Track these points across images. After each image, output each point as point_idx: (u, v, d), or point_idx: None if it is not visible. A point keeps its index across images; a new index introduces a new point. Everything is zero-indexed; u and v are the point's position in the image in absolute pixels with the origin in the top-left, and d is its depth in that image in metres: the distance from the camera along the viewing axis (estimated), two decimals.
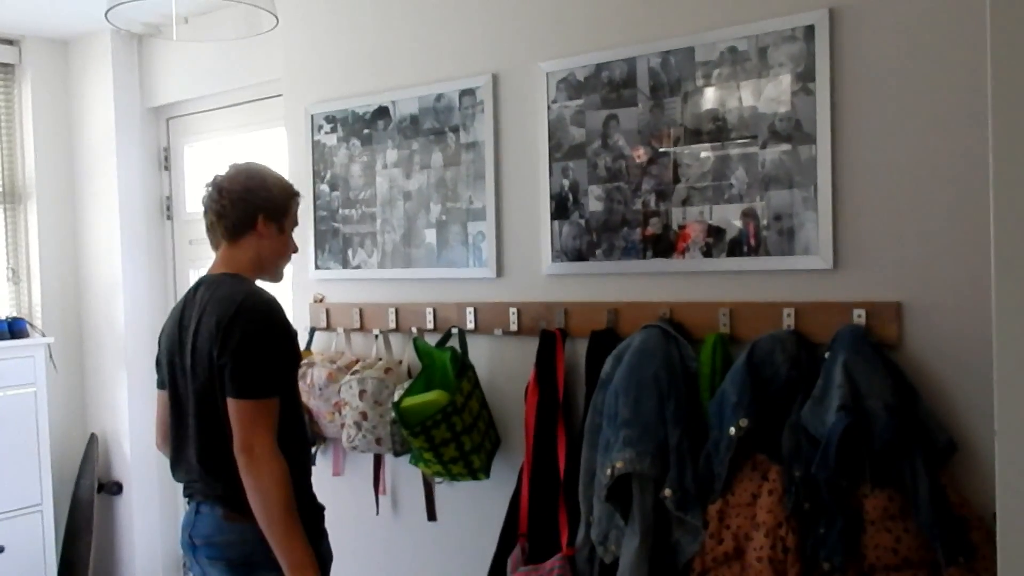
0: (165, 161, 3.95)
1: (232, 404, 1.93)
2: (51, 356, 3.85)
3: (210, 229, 2.14)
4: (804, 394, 1.91)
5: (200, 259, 3.82)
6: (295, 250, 2.21)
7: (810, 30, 2.02)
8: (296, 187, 2.19)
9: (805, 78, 2.03)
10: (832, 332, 1.96)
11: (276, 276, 2.19)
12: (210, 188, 2.11)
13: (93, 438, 3.99)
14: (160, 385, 2.18)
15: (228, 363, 1.92)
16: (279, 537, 1.88)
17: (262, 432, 1.90)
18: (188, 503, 2.11)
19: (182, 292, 3.84)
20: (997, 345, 1.15)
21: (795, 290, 2.07)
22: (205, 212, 2.13)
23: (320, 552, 2.03)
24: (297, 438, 2.09)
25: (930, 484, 1.75)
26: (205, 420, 2.00)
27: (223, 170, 2.13)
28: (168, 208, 3.95)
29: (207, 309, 2.01)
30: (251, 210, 2.08)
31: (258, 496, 1.88)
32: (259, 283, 2.11)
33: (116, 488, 3.93)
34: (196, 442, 2.02)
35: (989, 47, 1.15)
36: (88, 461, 3.95)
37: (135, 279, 3.88)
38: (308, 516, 2.02)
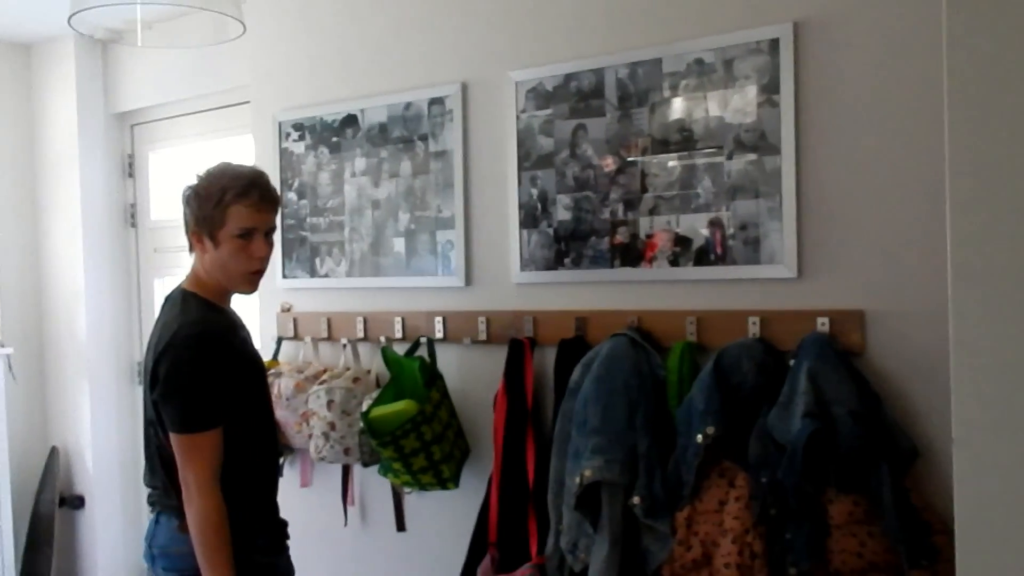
0: (129, 168, 3.90)
1: (171, 436, 1.94)
2: (10, 367, 3.78)
3: None
4: (770, 401, 1.93)
5: (165, 267, 3.77)
6: (257, 258, 2.02)
7: (775, 43, 2.05)
8: (239, 189, 1.97)
9: (770, 90, 2.06)
10: (797, 340, 1.98)
11: (241, 288, 2.07)
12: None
13: (54, 451, 3.92)
14: (141, 381, 2.18)
15: (160, 398, 1.94)
16: (203, 569, 1.91)
17: (195, 467, 1.90)
18: (150, 511, 2.12)
19: (146, 301, 3.85)
20: (954, 355, 1.18)
21: (761, 298, 2.10)
22: None
23: (279, 567, 2.08)
24: (260, 458, 2.09)
25: (894, 489, 1.77)
26: (160, 439, 2.01)
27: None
28: (132, 216, 3.90)
29: (153, 335, 2.02)
30: (187, 227, 2.05)
31: (191, 526, 1.92)
32: (233, 299, 2.10)
33: (78, 502, 3.86)
34: (157, 454, 2.04)
35: (945, 61, 1.18)
36: (49, 474, 3.87)
37: (98, 288, 3.82)
38: (270, 532, 2.07)
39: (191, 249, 2.07)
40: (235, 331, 2.08)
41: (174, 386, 1.92)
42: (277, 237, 2.19)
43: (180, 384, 1.92)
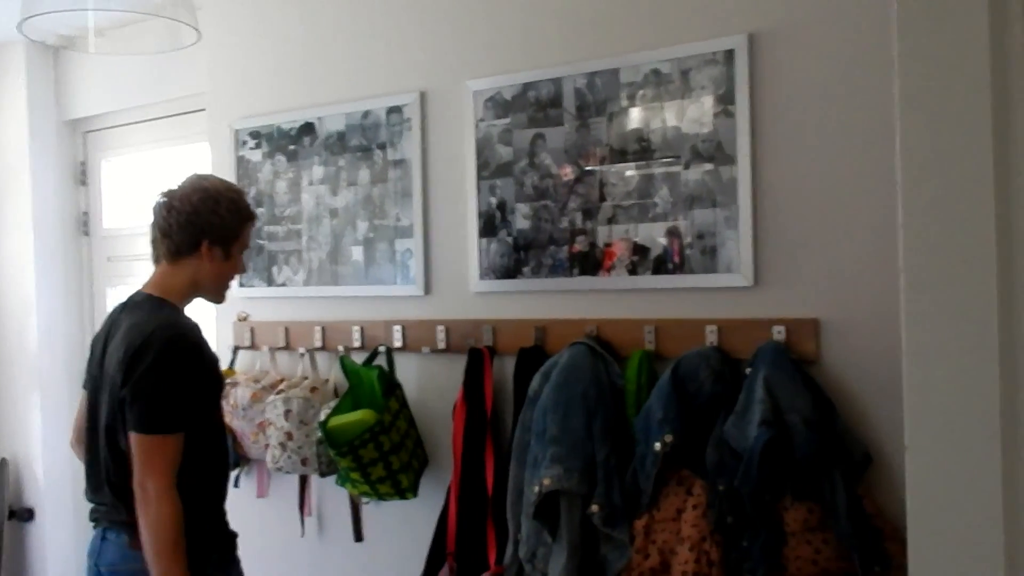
0: (82, 176, 3.82)
1: (132, 437, 1.91)
2: None
3: (153, 243, 2.07)
4: (727, 409, 1.95)
5: (119, 276, 3.70)
6: (242, 271, 2.16)
7: (730, 54, 2.07)
8: (248, 204, 2.12)
9: (726, 100, 2.08)
10: (753, 348, 2.00)
11: (216, 298, 2.13)
12: (161, 201, 2.04)
13: (3, 462, 3.82)
14: (84, 385, 2.14)
15: (128, 396, 1.90)
16: (160, 565, 1.87)
17: (157, 470, 1.88)
18: (94, 528, 2.07)
19: (99, 311, 3.77)
20: (906, 362, 1.19)
21: (718, 307, 2.12)
22: (152, 224, 2.06)
23: None
24: (213, 469, 2.07)
25: (848, 496, 1.79)
26: (113, 447, 1.98)
27: (178, 182, 2.06)
28: (85, 224, 3.82)
29: (120, 335, 1.97)
30: (197, 233, 2.01)
31: (146, 533, 1.88)
32: (189, 307, 2.08)
33: (27, 514, 3.77)
34: (106, 465, 2.00)
35: (897, 72, 1.20)
36: None
37: (50, 297, 3.74)
38: (219, 544, 2.05)
39: (175, 258, 2.03)
40: (204, 339, 2.07)
41: (148, 384, 1.89)
42: None
43: (154, 383, 1.90)
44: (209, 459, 2.04)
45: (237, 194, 2.10)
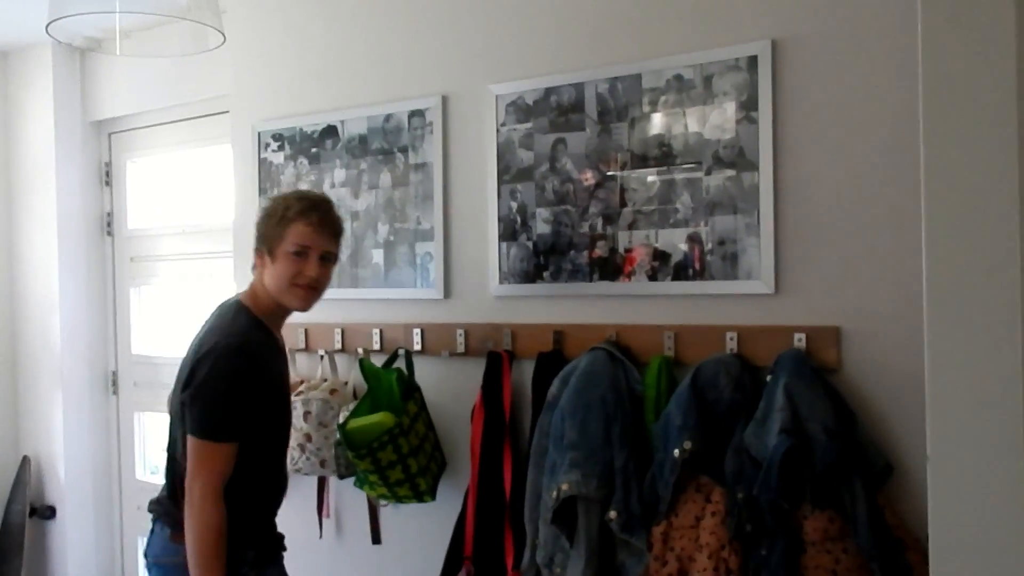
0: (106, 176, 3.86)
1: (188, 439, 1.96)
2: None
3: None
4: (747, 417, 1.94)
5: (142, 276, 3.74)
6: (307, 276, 2.06)
7: (753, 60, 2.07)
8: (300, 208, 2.06)
9: (748, 107, 2.08)
10: (774, 356, 1.99)
11: (291, 304, 2.10)
12: None
13: (25, 460, 3.86)
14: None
15: (188, 400, 1.96)
16: (200, 564, 1.92)
17: (206, 474, 1.93)
18: (151, 519, 2.15)
19: (122, 310, 3.81)
20: (929, 373, 1.19)
21: (738, 314, 2.11)
22: None
23: None
24: (265, 480, 2.11)
25: (868, 506, 1.78)
26: (173, 443, 2.06)
27: None
28: (109, 224, 3.86)
29: (196, 338, 2.06)
30: (255, 242, 2.13)
31: (189, 535, 1.93)
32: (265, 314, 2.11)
33: (49, 512, 3.81)
34: (167, 458, 2.09)
35: (921, 80, 1.19)
36: (20, 484, 3.82)
37: (73, 297, 3.78)
38: (261, 545, 2.09)
39: (254, 267, 2.13)
40: (274, 353, 2.12)
41: (205, 391, 1.95)
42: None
43: (211, 390, 1.95)
44: (263, 470, 2.09)
45: (274, 200, 2.15)
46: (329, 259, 2.12)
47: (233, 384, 1.96)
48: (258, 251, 2.11)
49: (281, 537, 2.19)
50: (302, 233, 2.05)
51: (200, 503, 1.92)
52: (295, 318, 2.24)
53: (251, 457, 2.00)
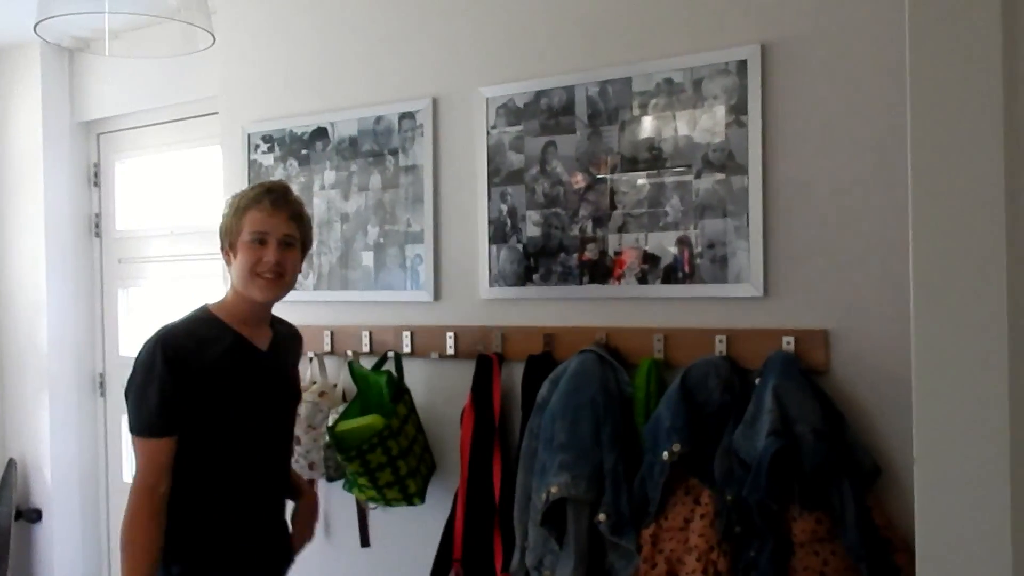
0: (95, 177, 3.85)
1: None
2: None
3: None
4: (736, 419, 1.95)
5: (131, 278, 3.72)
6: (267, 263, 1.97)
7: (743, 64, 2.08)
8: (253, 195, 2.01)
9: (738, 110, 2.09)
10: (763, 358, 2.00)
11: (256, 295, 2.00)
12: None
13: (11, 463, 3.83)
14: None
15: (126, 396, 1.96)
16: (121, 564, 1.90)
17: (139, 472, 1.90)
18: None
19: (109, 312, 3.79)
20: (916, 374, 1.19)
21: (727, 316, 2.12)
22: None
23: None
24: (213, 487, 1.97)
25: (856, 507, 1.79)
26: None
27: None
28: (97, 225, 3.84)
29: None
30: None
31: (121, 528, 1.90)
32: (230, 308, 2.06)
33: (35, 515, 3.78)
34: None
35: (909, 82, 1.20)
36: (6, 487, 3.79)
37: (60, 298, 3.75)
38: (201, 561, 1.96)
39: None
40: (212, 345, 1.97)
41: (129, 386, 1.93)
42: None
43: (132, 384, 1.92)
44: (207, 476, 1.96)
45: (232, 196, 2.08)
46: (291, 243, 2.02)
47: (150, 376, 1.88)
48: (223, 251, 2.05)
49: (238, 555, 2.00)
50: (256, 220, 1.98)
51: (132, 500, 1.88)
52: (288, 321, 2.23)
53: (191, 459, 1.91)
